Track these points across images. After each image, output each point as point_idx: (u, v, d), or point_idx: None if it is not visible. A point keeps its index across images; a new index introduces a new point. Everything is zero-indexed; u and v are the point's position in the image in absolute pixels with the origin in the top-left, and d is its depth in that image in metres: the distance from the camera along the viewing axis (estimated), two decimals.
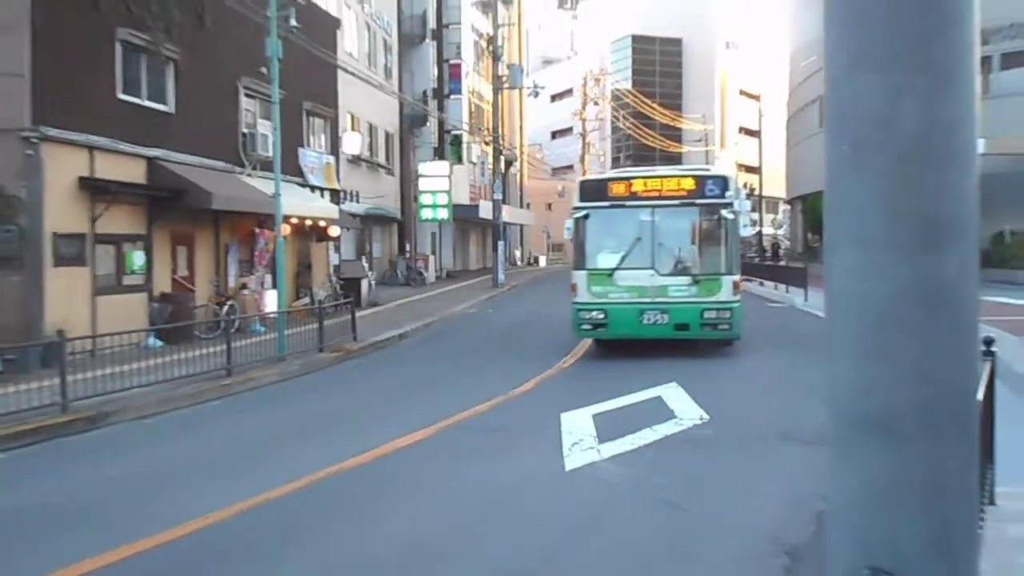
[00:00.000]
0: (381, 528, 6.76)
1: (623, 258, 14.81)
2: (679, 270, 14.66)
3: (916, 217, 2.08)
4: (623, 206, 15.04)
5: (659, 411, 10.49)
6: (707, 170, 16.93)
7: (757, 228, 63.04)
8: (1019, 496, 6.22)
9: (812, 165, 41.43)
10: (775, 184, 64.70)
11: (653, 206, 14.78)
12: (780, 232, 71.68)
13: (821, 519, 6.03)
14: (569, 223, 15.33)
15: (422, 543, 6.38)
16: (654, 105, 74.83)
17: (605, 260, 15.07)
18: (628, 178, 15.50)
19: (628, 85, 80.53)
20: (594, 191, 15.42)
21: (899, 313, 2.08)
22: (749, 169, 76.80)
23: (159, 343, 17.28)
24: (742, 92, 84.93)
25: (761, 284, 31.85)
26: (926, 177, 2.10)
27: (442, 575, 5.73)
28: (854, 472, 2.20)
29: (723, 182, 14.78)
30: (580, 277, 15.06)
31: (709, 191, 14.59)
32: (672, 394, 11.48)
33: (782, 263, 40.00)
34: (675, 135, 76.43)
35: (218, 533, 6.67)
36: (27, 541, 6.69)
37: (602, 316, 14.82)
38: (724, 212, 14.38)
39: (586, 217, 15.07)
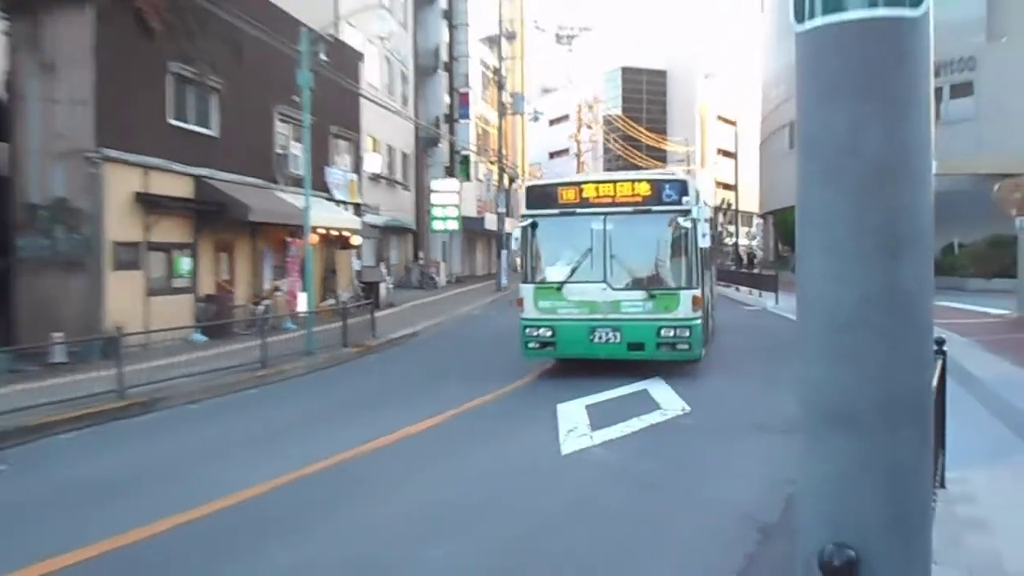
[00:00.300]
0: (398, 502, 6.75)
1: (573, 271, 12.36)
2: (633, 284, 12.16)
3: (878, 230, 2.08)
4: (573, 214, 12.43)
5: (645, 402, 10.47)
6: (673, 174, 14.15)
7: (734, 239, 63.03)
8: (966, 480, 6.21)
9: (783, 183, 41.44)
10: (750, 200, 64.75)
11: (605, 214, 12.21)
12: (754, 243, 71.56)
13: (791, 500, 6.02)
14: (516, 232, 12.82)
15: (434, 517, 6.37)
16: (641, 129, 74.82)
17: (553, 273, 12.63)
18: (578, 183, 12.81)
19: (618, 111, 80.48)
20: (542, 197, 12.79)
21: (864, 317, 2.08)
22: (726, 186, 76.87)
23: (203, 338, 17.31)
24: (720, 118, 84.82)
25: (737, 289, 31.83)
26: (886, 195, 2.10)
27: (453, 545, 5.71)
28: (822, 459, 2.19)
29: (680, 187, 12.07)
30: (527, 291, 12.60)
31: (666, 197, 11.98)
32: (657, 387, 11.46)
33: (756, 271, 39.93)
34: (660, 156, 76.30)
35: (257, 505, 6.69)
36: (90, 509, 6.71)
37: (550, 334, 12.32)
38: (681, 220, 11.83)
39: (534, 226, 12.63)
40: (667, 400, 10.58)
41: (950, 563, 4.57)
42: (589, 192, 12.44)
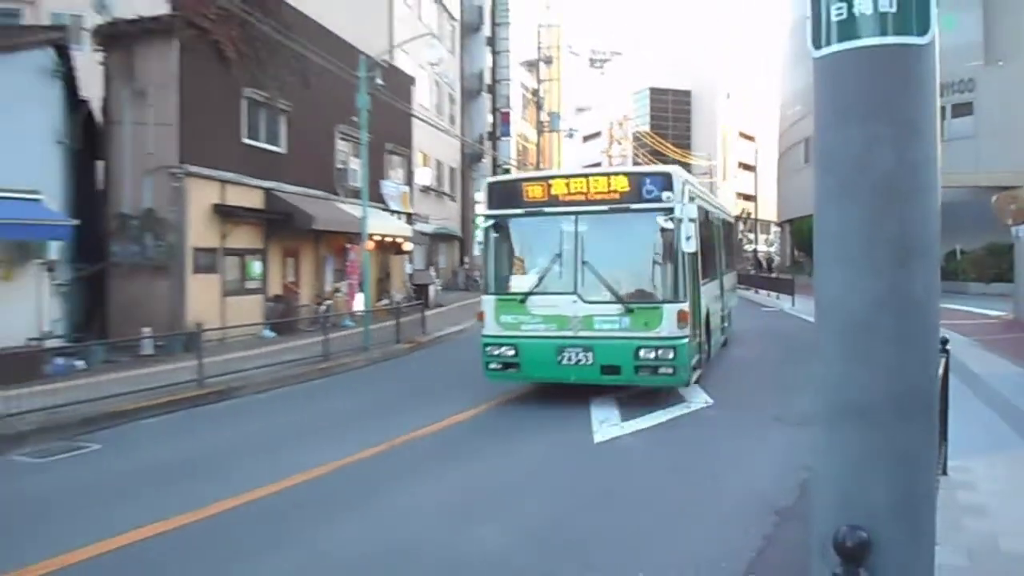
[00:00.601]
0: (447, 483, 6.79)
1: (539, 280, 9.94)
2: (608, 296, 9.49)
3: (889, 242, 2.07)
4: (540, 214, 9.95)
5: (671, 396, 10.32)
6: (657, 167, 10.71)
7: (754, 246, 62.12)
8: (966, 468, 6.10)
9: (798, 194, 40.84)
10: (768, 210, 63.93)
11: (576, 213, 9.75)
12: (772, 249, 70.63)
13: (805, 486, 5.95)
14: (480, 235, 10.58)
15: (482, 497, 6.42)
16: (668, 145, 74.30)
17: (518, 283, 10.24)
18: (546, 178, 10.24)
19: (647, 128, 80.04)
20: (505, 195, 10.28)
21: (876, 320, 2.07)
22: (747, 197, 76.02)
23: (272, 334, 17.57)
24: (741, 134, 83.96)
25: (756, 292, 31.47)
26: (897, 209, 2.09)
27: (500, 521, 5.73)
28: (837, 448, 2.18)
29: (663, 181, 9.39)
30: (488, 304, 10.16)
31: (647, 193, 9.37)
32: None
33: (774, 275, 39.43)
34: (685, 169, 75.64)
35: (321, 484, 6.79)
36: (174, 486, 6.84)
37: (512, 353, 9.90)
38: (661, 220, 9.19)
39: (496, 227, 10.28)
40: (692, 393, 10.47)
41: (952, 544, 4.49)
42: (558, 188, 9.91)
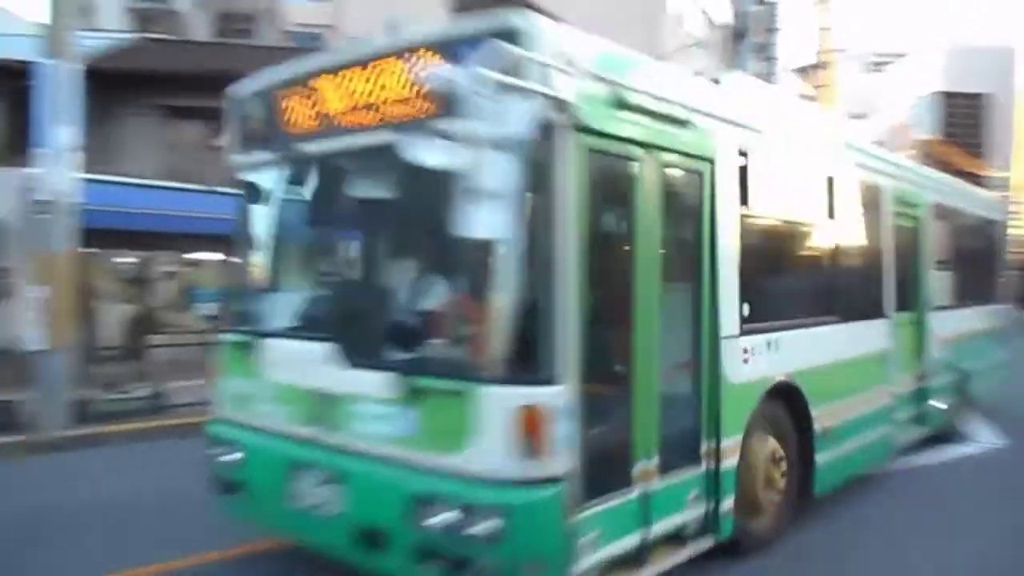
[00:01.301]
0: None
1: (278, 307, 4.77)
2: (387, 351, 3.88)
3: None
4: (299, 158, 4.45)
5: (952, 432, 8.55)
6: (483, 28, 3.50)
7: None
8: None
9: None
10: None
11: (352, 154, 4.22)
12: None
13: None
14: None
15: None
16: (959, 153, 66.56)
17: (269, 308, 4.83)
18: (307, 77, 4.25)
19: (930, 136, 72.42)
20: (259, 123, 4.66)
21: None
22: None
23: None
24: None
25: None
26: None
27: None
28: None
29: (488, 53, 3.13)
30: (222, 351, 4.80)
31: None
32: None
33: None
34: (975, 181, 67.23)
35: None
36: None
37: (237, 459, 4.41)
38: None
39: (249, 190, 4.86)
40: (976, 431, 8.90)
41: None
42: (332, 100, 4.19)
